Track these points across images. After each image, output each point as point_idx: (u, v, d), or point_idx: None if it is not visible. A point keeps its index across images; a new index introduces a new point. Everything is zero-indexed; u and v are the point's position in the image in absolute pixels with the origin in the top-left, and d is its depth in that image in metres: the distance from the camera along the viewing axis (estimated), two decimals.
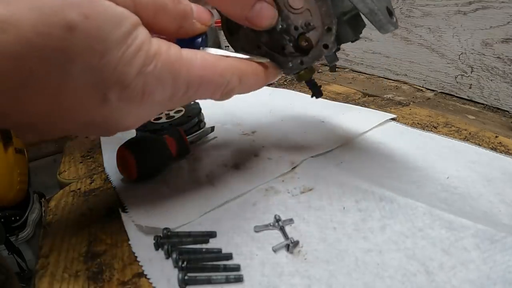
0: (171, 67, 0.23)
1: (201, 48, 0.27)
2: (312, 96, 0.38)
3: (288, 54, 0.32)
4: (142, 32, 0.22)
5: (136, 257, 0.29)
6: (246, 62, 0.29)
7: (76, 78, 0.20)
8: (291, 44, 0.31)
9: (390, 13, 0.28)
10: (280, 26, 0.30)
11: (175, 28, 0.26)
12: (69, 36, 0.19)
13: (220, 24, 0.34)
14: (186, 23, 0.26)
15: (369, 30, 0.70)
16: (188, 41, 0.27)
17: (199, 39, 0.28)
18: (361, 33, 0.32)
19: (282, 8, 0.29)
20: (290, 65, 0.32)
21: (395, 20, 0.28)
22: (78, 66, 0.20)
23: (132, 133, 0.47)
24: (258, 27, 0.29)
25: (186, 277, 0.25)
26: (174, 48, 0.24)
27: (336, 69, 0.78)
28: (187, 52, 0.25)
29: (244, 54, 0.29)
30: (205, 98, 0.28)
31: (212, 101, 0.29)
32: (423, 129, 0.46)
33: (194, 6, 0.26)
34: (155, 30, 0.24)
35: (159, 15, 0.24)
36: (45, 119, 0.22)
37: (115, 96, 0.22)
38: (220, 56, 0.27)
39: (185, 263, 0.26)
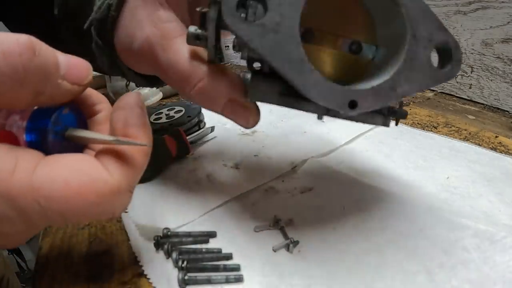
0: (7, 195, 0.16)
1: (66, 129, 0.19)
2: (396, 124, 0.31)
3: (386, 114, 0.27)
4: None
5: (136, 257, 0.29)
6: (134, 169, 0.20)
7: None
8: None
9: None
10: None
11: (29, 97, 0.17)
12: None
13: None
14: (47, 86, 0.17)
15: None
16: (41, 116, 0.18)
17: (56, 116, 0.18)
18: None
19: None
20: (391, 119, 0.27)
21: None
22: None
23: None
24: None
25: (186, 277, 0.25)
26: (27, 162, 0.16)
27: None
28: (43, 171, 0.17)
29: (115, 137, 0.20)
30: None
31: None
32: (423, 129, 0.46)
33: (62, 56, 0.18)
34: None
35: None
36: None
37: None
38: (97, 169, 0.18)
39: (185, 263, 0.26)
